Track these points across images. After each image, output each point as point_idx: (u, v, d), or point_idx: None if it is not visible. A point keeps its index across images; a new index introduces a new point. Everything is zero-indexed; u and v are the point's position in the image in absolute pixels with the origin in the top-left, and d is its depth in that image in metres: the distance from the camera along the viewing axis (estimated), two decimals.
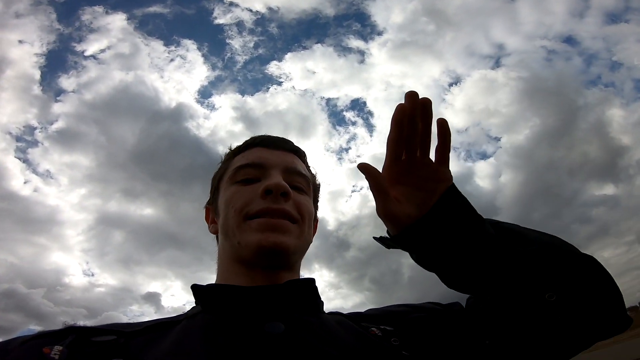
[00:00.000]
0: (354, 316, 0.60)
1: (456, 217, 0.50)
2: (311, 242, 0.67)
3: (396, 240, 0.53)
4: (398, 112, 0.48)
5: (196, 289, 0.55)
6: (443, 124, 0.51)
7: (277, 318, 0.48)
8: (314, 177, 0.71)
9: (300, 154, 0.69)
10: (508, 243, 0.51)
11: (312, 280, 0.57)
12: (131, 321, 0.54)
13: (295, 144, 0.70)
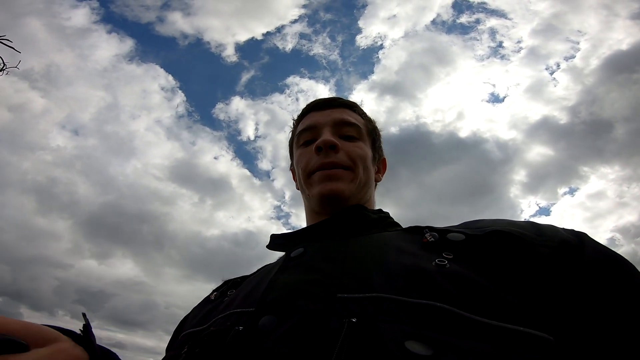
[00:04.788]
0: (425, 227, 0.53)
1: None
2: (377, 179, 0.80)
3: None
4: None
5: (271, 237, 0.68)
6: None
7: (302, 245, 0.56)
8: (369, 122, 0.80)
9: (349, 106, 0.78)
10: None
11: (357, 208, 0.65)
12: None
13: (344, 99, 0.80)
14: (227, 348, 0.40)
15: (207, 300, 0.63)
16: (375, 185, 0.80)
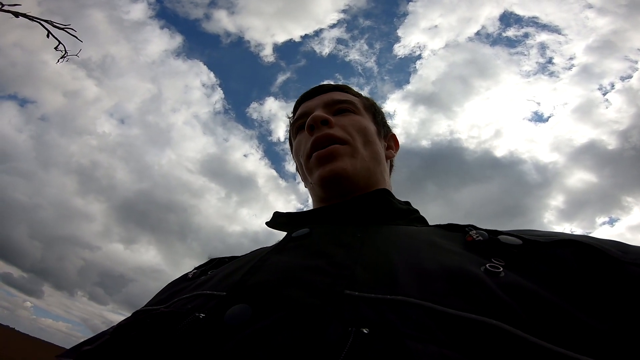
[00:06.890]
0: (467, 225, 0.44)
1: None
2: (389, 156, 0.71)
3: None
4: None
5: (274, 215, 0.60)
6: None
7: (309, 226, 0.48)
8: (365, 99, 0.74)
9: (339, 88, 0.73)
10: None
11: (381, 192, 0.55)
12: None
13: (334, 83, 0.75)
14: (174, 339, 0.31)
15: (183, 277, 0.53)
16: (390, 164, 0.73)
